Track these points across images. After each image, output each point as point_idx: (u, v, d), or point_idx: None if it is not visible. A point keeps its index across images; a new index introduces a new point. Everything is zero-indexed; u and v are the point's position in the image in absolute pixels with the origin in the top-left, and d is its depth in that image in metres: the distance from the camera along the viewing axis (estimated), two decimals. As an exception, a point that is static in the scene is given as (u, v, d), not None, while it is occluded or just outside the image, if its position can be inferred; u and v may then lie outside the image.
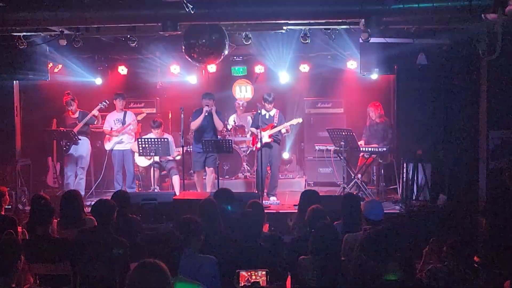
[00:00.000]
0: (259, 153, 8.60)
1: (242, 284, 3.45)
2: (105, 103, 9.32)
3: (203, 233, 4.11)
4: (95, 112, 9.21)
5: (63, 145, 9.06)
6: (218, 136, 9.43)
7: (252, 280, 3.45)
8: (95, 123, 9.45)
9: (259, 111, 8.74)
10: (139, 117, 9.63)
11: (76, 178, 9.30)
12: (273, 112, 9.05)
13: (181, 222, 4.08)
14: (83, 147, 9.27)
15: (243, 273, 3.49)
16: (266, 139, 8.78)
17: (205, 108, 8.71)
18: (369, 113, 9.39)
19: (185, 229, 3.90)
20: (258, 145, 8.58)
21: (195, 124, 8.90)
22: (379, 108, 9.29)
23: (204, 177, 9.25)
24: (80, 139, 9.10)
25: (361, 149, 8.97)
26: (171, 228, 3.70)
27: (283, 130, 8.97)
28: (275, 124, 8.94)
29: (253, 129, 9.10)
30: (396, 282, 3.20)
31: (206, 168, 9.09)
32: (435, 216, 7.60)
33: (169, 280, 2.69)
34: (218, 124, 8.92)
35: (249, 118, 10.31)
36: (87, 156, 9.41)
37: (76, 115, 9.34)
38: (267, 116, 8.96)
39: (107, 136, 9.51)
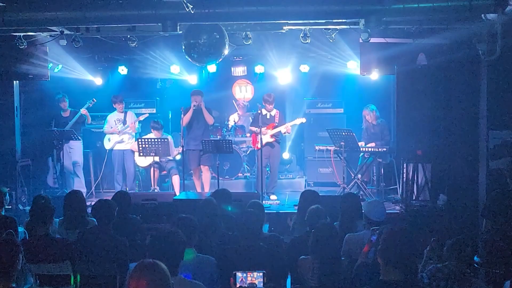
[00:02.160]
0: (259, 153, 8.63)
1: (238, 286, 3.43)
2: (91, 101, 9.41)
3: (197, 234, 4.09)
4: (81, 110, 9.28)
5: (56, 144, 9.11)
6: (218, 136, 9.40)
7: (248, 281, 3.43)
8: (86, 121, 9.48)
9: (259, 111, 8.77)
10: (142, 117, 9.65)
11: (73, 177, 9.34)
12: (274, 112, 9.10)
13: (175, 222, 4.06)
14: (75, 146, 9.31)
15: (240, 274, 3.47)
16: (267, 138, 8.86)
17: (193, 103, 8.90)
18: (365, 116, 9.38)
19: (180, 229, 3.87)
20: (259, 145, 8.59)
21: (185, 120, 8.98)
22: (374, 111, 9.29)
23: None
24: (80, 139, 9.18)
25: (361, 149, 8.97)
26: (173, 227, 3.66)
27: (283, 130, 9.01)
28: (276, 124, 8.97)
29: (253, 128, 9.14)
30: (397, 282, 3.19)
31: (201, 166, 9.11)
32: (435, 216, 7.59)
33: (169, 280, 2.69)
34: (208, 118, 9.03)
35: (251, 119, 10.32)
36: (80, 155, 9.48)
37: (67, 114, 9.40)
38: (268, 116, 9.01)
39: (107, 136, 9.53)
